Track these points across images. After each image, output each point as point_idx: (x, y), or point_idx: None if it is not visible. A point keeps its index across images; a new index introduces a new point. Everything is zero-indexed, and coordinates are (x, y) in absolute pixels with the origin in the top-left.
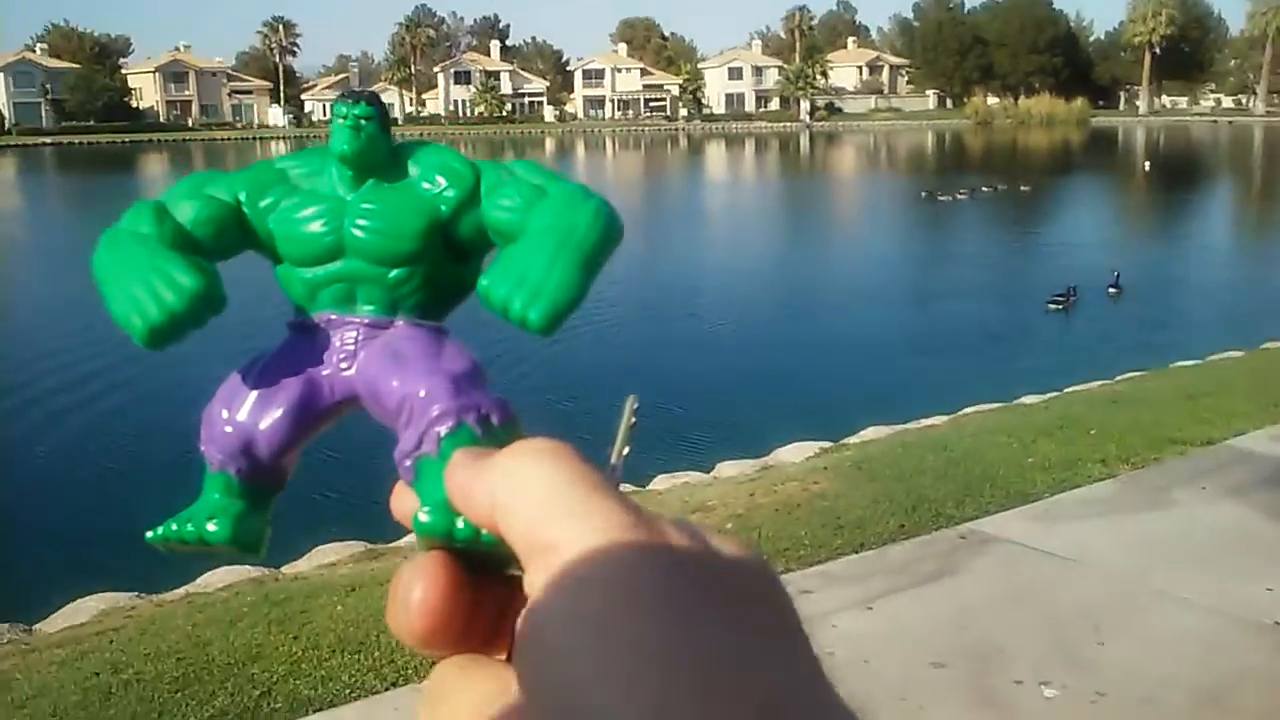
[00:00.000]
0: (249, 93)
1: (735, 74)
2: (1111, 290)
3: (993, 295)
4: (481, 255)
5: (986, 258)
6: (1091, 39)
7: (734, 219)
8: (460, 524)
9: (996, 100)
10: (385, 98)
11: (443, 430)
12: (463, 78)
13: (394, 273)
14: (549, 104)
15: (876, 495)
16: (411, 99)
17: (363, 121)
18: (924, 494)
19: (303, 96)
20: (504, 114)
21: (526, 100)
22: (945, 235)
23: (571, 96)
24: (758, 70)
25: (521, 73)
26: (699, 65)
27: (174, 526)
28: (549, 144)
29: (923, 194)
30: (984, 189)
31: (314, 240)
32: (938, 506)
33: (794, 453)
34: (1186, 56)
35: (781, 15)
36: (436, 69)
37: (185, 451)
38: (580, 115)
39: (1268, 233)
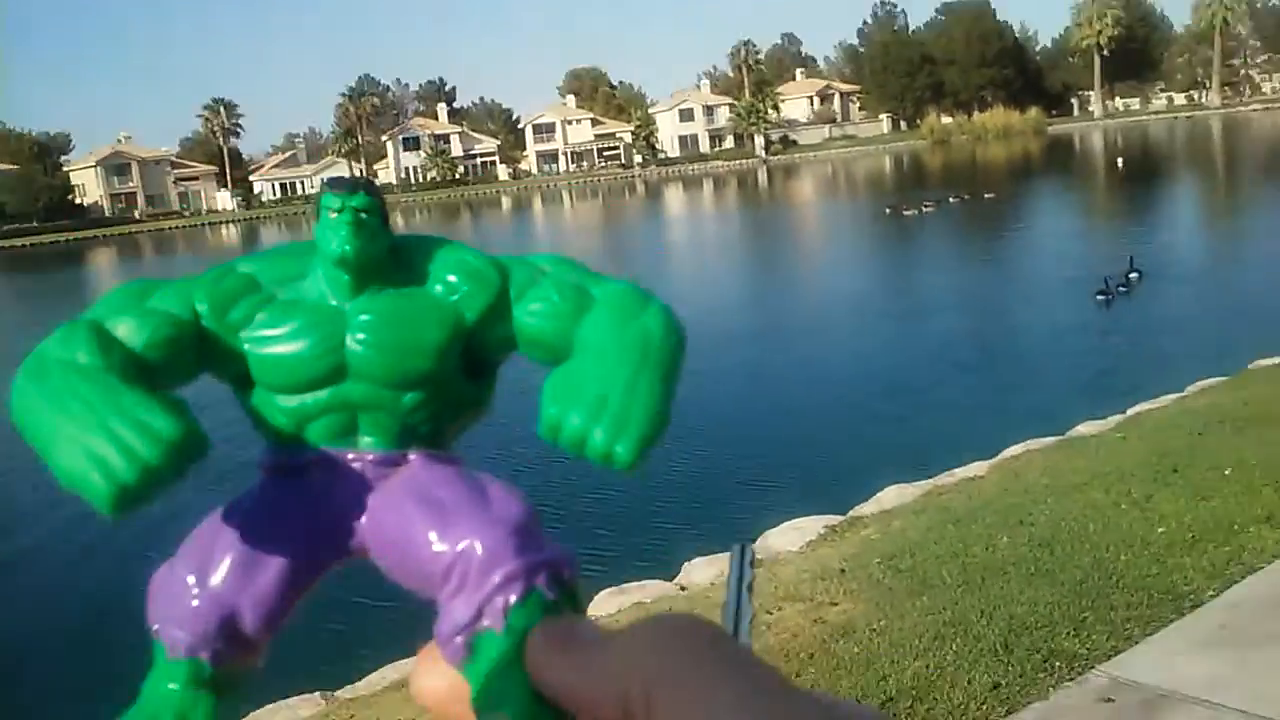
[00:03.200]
0: (195, 179)
1: (686, 115)
2: (1133, 277)
3: (994, 306)
4: (497, 369)
5: (968, 268)
6: (1038, 48)
7: (694, 257)
8: None
9: (950, 118)
10: (334, 171)
11: (511, 598)
12: (411, 144)
13: (407, 396)
14: (502, 162)
15: (936, 624)
16: (361, 170)
17: (363, 215)
18: (1015, 613)
19: (251, 177)
20: (456, 177)
21: (479, 161)
22: (917, 249)
23: (524, 153)
24: (709, 110)
25: (471, 134)
26: (649, 110)
27: None
28: (505, 202)
29: (886, 209)
30: (950, 200)
31: (302, 362)
32: (1045, 636)
33: (789, 537)
34: (1136, 56)
35: (727, 52)
36: (385, 137)
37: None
38: (534, 171)
39: (1267, 211)
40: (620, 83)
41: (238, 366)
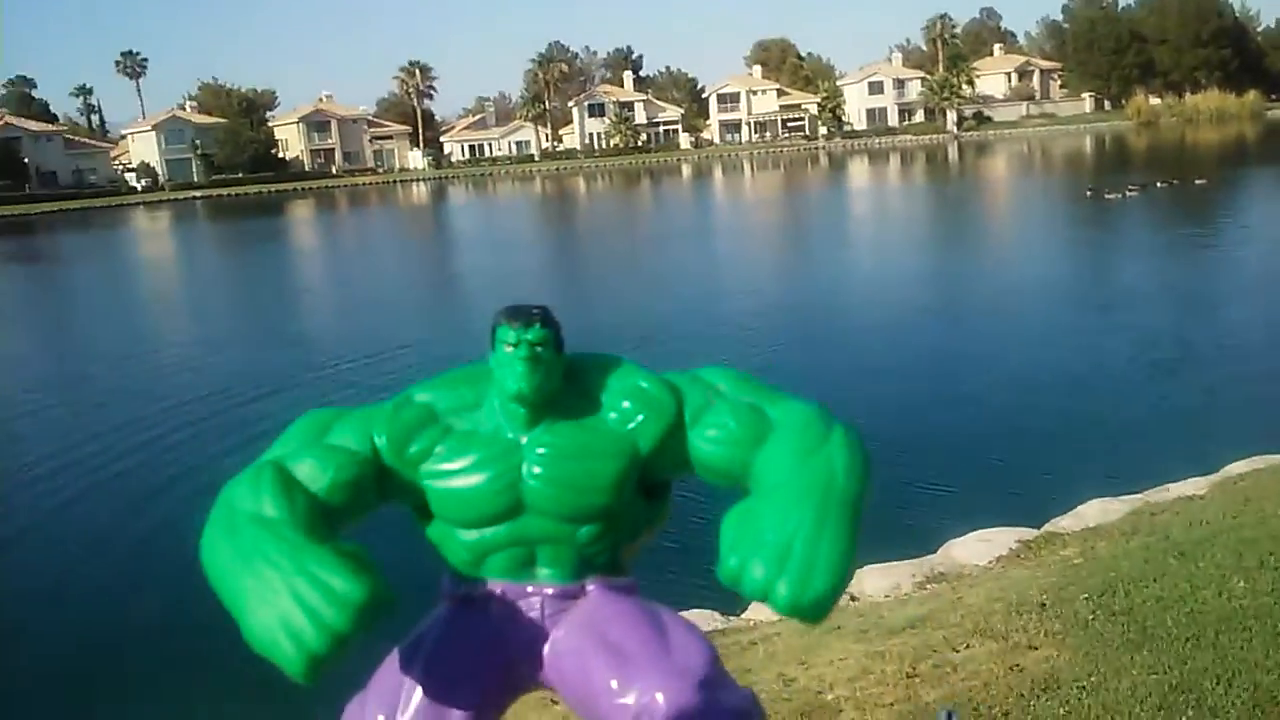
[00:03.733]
0: (389, 138)
1: (875, 88)
2: None
3: (1207, 300)
4: (671, 485)
5: (1177, 258)
6: (1260, 28)
7: (876, 233)
8: None
9: (1159, 99)
10: (520, 135)
11: None
12: (597, 110)
13: (584, 529)
14: (684, 131)
15: (1161, 687)
16: (547, 134)
17: (539, 349)
18: (1260, 682)
19: (441, 139)
20: (639, 144)
21: (661, 129)
22: (1120, 235)
23: (707, 122)
24: (899, 83)
25: (656, 102)
26: (837, 82)
27: None
28: (685, 170)
29: (1087, 191)
30: (1157, 184)
31: (481, 497)
32: None
33: (976, 550)
34: None
35: (922, 25)
36: (571, 103)
37: None
38: (716, 140)
39: None
40: (808, 54)
41: (417, 499)
